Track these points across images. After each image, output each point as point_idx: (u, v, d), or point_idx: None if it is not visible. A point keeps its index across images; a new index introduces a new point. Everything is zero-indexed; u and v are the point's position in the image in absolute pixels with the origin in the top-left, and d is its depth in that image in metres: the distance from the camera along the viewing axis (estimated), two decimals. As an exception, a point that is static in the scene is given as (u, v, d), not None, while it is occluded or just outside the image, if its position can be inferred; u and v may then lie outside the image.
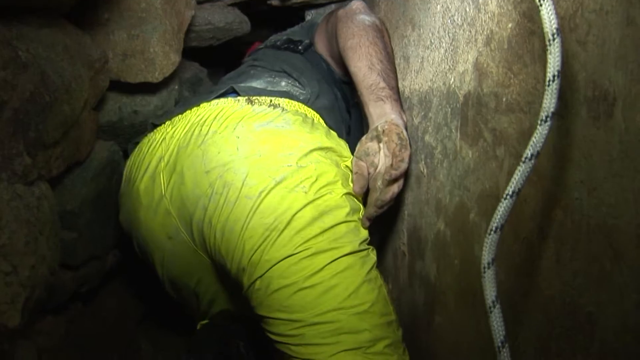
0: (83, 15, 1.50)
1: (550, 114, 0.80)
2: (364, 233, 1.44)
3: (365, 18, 1.69)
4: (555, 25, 0.80)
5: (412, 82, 1.58)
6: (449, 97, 1.34)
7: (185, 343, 2.15)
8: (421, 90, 1.52)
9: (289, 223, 1.32)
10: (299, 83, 1.75)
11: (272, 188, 1.35)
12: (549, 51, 0.80)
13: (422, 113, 1.51)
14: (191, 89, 2.26)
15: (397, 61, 1.72)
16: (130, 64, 1.57)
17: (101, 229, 1.68)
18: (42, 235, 1.20)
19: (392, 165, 1.46)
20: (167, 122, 1.61)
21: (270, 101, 1.58)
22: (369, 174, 1.48)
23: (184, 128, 1.52)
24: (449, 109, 1.34)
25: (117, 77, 1.58)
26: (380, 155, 1.48)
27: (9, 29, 1.19)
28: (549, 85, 0.80)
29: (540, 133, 0.81)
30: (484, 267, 0.89)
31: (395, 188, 1.50)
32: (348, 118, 1.83)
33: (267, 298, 1.32)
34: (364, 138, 1.54)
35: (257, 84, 1.71)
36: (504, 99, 1.09)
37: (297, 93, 1.69)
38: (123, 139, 1.74)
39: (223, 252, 1.38)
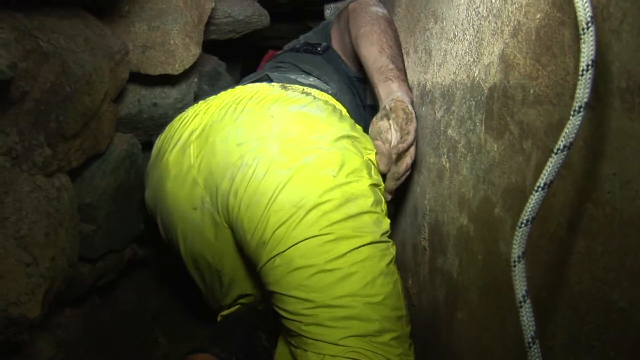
0: (104, 7, 1.49)
1: (583, 105, 0.78)
2: (386, 225, 1.46)
3: (378, 10, 1.80)
4: (589, 13, 0.78)
5: (435, 75, 1.56)
6: (473, 90, 1.32)
7: (202, 337, 2.15)
8: (444, 83, 1.50)
9: (317, 204, 1.35)
10: (323, 81, 1.80)
11: (302, 167, 1.38)
12: (582, 40, 0.78)
13: (445, 107, 1.49)
14: (210, 82, 2.25)
15: (419, 54, 1.70)
16: (150, 56, 1.56)
17: (119, 222, 1.68)
18: (61, 227, 1.20)
19: (400, 138, 1.53)
20: (200, 102, 1.64)
21: (303, 89, 1.65)
22: (387, 150, 1.54)
23: (219, 105, 1.57)
24: (473, 102, 1.32)
25: (137, 69, 1.57)
26: (391, 131, 1.56)
27: (30, 20, 1.18)
28: (582, 75, 0.78)
29: (573, 124, 0.79)
30: (514, 262, 0.87)
31: (408, 159, 1.55)
32: (364, 115, 1.87)
33: (287, 275, 1.34)
34: (374, 118, 1.62)
35: (286, 74, 1.77)
36: (531, 91, 1.07)
37: (325, 88, 1.75)
38: (142, 131, 1.74)
39: (246, 225, 1.40)
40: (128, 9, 1.54)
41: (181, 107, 1.74)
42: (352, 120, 1.63)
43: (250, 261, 1.47)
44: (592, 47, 0.78)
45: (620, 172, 0.83)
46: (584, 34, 0.78)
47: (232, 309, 1.73)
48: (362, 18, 1.77)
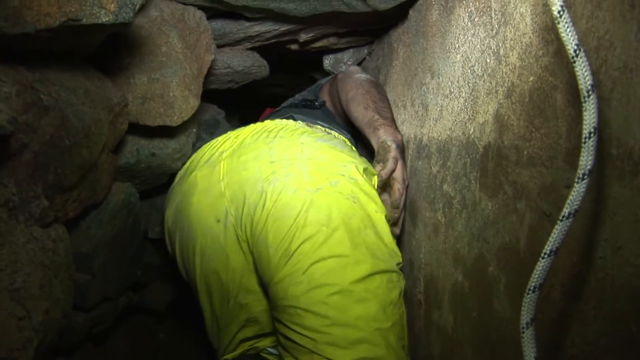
0: (105, 59, 1.51)
1: (587, 172, 0.79)
2: (399, 257, 1.56)
3: (361, 76, 2.03)
4: (590, 82, 0.79)
5: (431, 129, 1.58)
6: (469, 147, 1.33)
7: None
8: (440, 138, 1.51)
9: (340, 225, 1.44)
10: (321, 123, 1.96)
11: (328, 188, 1.51)
12: (584, 108, 0.79)
13: (441, 162, 1.50)
14: (209, 131, 2.27)
15: (415, 108, 1.72)
16: (150, 108, 1.58)
17: (115, 270, 1.67)
18: (56, 279, 1.20)
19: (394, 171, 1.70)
20: (229, 132, 1.82)
21: (324, 129, 1.89)
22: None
23: (251, 132, 1.76)
24: (468, 159, 1.33)
25: (136, 120, 1.58)
26: (386, 168, 1.68)
27: (32, 72, 1.20)
28: (585, 142, 0.79)
29: (577, 191, 0.80)
30: (523, 328, 0.88)
31: (397, 185, 1.72)
32: None
33: (309, 291, 1.39)
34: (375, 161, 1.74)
35: (305, 117, 1.96)
36: (525, 152, 1.08)
37: (340, 132, 1.96)
38: (140, 180, 1.75)
39: (270, 237, 1.47)
40: (129, 61, 1.56)
41: (179, 157, 1.75)
42: (363, 157, 1.77)
43: (265, 278, 1.52)
44: (594, 115, 0.79)
45: (611, 238, 0.84)
46: (585, 101, 0.80)
47: (235, 353, 1.71)
48: (348, 85, 2.00)
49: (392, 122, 1.83)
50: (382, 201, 1.62)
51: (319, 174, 1.54)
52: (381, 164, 1.69)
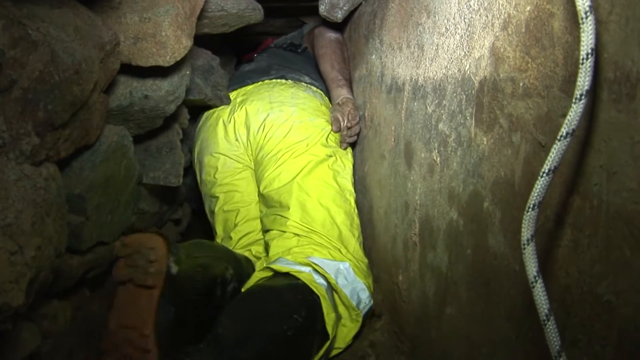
0: (95, -1, 1.48)
1: (584, 92, 0.79)
2: (334, 149, 2.37)
3: (332, 35, 2.73)
4: (587, 3, 0.78)
5: (426, 70, 1.56)
6: (464, 83, 1.32)
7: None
8: (435, 78, 1.50)
9: (312, 141, 2.28)
10: (307, 75, 2.68)
11: (308, 122, 2.33)
12: (581, 29, 0.78)
13: (436, 101, 1.49)
14: (203, 76, 2.24)
15: (411, 49, 1.70)
16: (142, 48, 1.55)
17: (110, 214, 1.66)
18: (48, 217, 1.19)
19: (349, 119, 2.37)
20: (238, 88, 2.57)
21: (307, 85, 2.60)
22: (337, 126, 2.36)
23: (254, 87, 2.54)
24: (464, 96, 1.32)
25: (129, 61, 1.55)
26: (345, 116, 2.37)
27: (20, 8, 1.17)
28: (582, 63, 0.78)
29: (575, 111, 0.80)
30: (524, 244, 0.90)
31: (356, 128, 2.41)
32: None
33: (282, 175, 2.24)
34: (332, 107, 2.49)
35: (292, 75, 2.64)
36: (520, 84, 1.06)
37: (317, 85, 2.64)
38: (133, 124, 1.73)
39: (265, 149, 2.29)
40: (120, 0, 1.53)
41: (173, 99, 1.73)
42: (327, 100, 2.59)
43: (258, 178, 2.33)
44: (591, 36, 0.79)
45: (607, 164, 0.83)
46: (583, 23, 0.79)
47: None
48: (320, 42, 2.72)
49: (350, 82, 2.60)
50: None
51: (304, 113, 2.34)
52: (346, 117, 2.37)
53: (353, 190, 2.29)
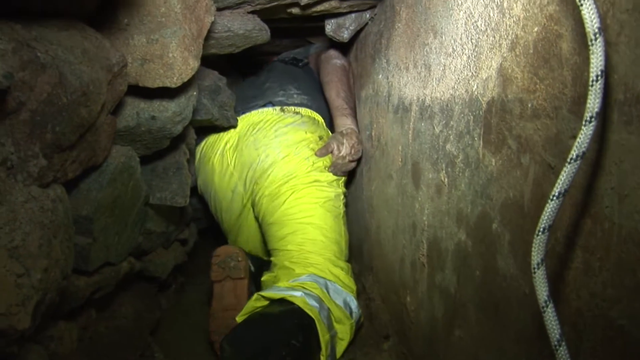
0: (103, 19, 1.49)
1: (594, 114, 0.78)
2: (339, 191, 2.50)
3: (337, 62, 2.77)
4: (597, 24, 0.77)
5: (434, 90, 1.56)
6: (472, 104, 1.31)
7: (199, 352, 2.14)
8: (442, 98, 1.49)
9: (298, 172, 2.41)
10: (300, 90, 2.75)
11: (292, 155, 2.42)
12: (591, 51, 0.78)
13: (444, 122, 1.48)
14: (210, 96, 2.24)
15: (418, 69, 1.70)
16: (149, 69, 1.55)
17: (116, 235, 1.66)
18: (56, 239, 1.19)
19: (351, 152, 2.47)
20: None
21: (294, 110, 2.64)
22: (332, 152, 2.46)
23: (243, 125, 2.58)
24: (472, 117, 1.31)
25: (136, 82, 1.56)
26: (344, 145, 2.47)
27: (29, 31, 1.18)
28: (592, 85, 0.78)
29: (585, 133, 0.79)
30: (534, 268, 0.89)
31: (354, 164, 2.53)
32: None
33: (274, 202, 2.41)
34: (334, 134, 2.56)
35: (281, 98, 2.70)
36: (529, 105, 1.06)
37: (305, 101, 2.71)
38: (140, 145, 1.73)
39: (260, 187, 2.43)
40: (127, 21, 1.53)
41: (180, 120, 1.73)
42: (322, 124, 2.67)
43: (258, 215, 2.48)
44: (601, 57, 0.78)
45: (618, 186, 0.82)
46: (592, 44, 0.78)
47: None
48: (326, 69, 2.76)
49: (355, 111, 2.66)
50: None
51: (287, 150, 2.44)
52: (349, 149, 2.47)
53: (341, 193, 2.48)
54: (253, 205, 2.53)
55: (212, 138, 2.62)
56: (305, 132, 2.51)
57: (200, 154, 2.66)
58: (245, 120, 2.61)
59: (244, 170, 2.49)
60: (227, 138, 2.57)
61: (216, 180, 2.57)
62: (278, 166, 2.40)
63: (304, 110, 2.66)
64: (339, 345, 2.04)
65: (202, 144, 2.65)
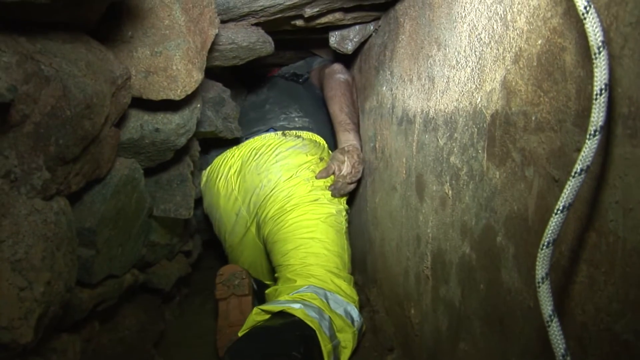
0: (107, 32, 1.49)
1: (599, 128, 0.78)
2: (331, 206, 2.49)
3: (341, 77, 2.77)
4: (600, 38, 0.77)
5: (438, 102, 1.56)
6: (476, 117, 1.31)
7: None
8: (446, 110, 1.49)
9: (297, 192, 2.45)
10: (302, 112, 2.83)
11: (294, 177, 2.47)
12: (595, 65, 0.78)
13: (448, 134, 1.48)
14: (214, 108, 2.25)
15: (422, 82, 1.69)
16: (153, 81, 1.56)
17: (120, 247, 1.66)
18: (59, 251, 1.18)
19: (351, 172, 2.51)
20: (234, 147, 2.69)
21: (295, 133, 2.70)
22: (334, 172, 2.50)
23: (245, 150, 2.64)
24: (476, 129, 1.31)
25: (140, 94, 1.56)
26: (345, 164, 2.51)
27: (33, 44, 1.18)
28: (596, 99, 0.77)
29: (589, 147, 0.79)
30: (538, 282, 0.89)
31: (353, 186, 2.56)
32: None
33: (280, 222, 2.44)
34: (335, 152, 2.60)
35: (282, 122, 2.76)
36: (533, 118, 1.05)
37: (307, 124, 2.78)
38: (144, 157, 1.73)
39: (263, 210, 2.48)
40: (131, 34, 1.54)
41: (183, 132, 1.73)
42: (323, 145, 2.72)
43: (262, 236, 2.53)
44: (604, 71, 0.78)
45: (623, 200, 0.82)
46: (596, 57, 0.78)
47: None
48: (329, 84, 2.76)
49: (358, 126, 2.69)
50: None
51: (287, 173, 2.48)
52: (351, 167, 2.51)
53: (343, 209, 2.51)
54: (258, 228, 2.58)
55: (217, 162, 2.71)
56: (306, 155, 2.56)
57: (206, 177, 2.74)
58: (248, 145, 2.67)
59: (247, 195, 2.55)
60: (231, 163, 2.65)
61: (221, 204, 2.64)
62: (280, 188, 2.46)
63: (305, 134, 2.73)
64: (343, 354, 2.04)
65: (208, 168, 2.74)
